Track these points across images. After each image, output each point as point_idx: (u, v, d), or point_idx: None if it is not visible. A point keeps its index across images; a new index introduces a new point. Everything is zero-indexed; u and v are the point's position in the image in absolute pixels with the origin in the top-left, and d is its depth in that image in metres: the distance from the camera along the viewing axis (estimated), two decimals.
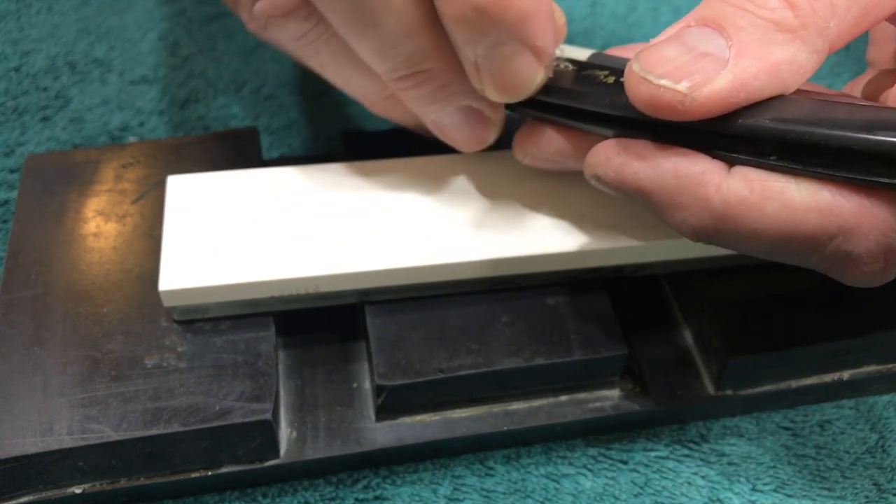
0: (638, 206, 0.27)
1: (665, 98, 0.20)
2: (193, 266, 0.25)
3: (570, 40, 0.42)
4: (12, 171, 0.35)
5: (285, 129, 0.37)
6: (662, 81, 0.20)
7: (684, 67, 0.20)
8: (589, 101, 0.23)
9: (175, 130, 0.37)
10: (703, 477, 0.27)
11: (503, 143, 0.31)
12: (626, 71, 0.21)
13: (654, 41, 0.21)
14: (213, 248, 0.26)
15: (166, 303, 0.25)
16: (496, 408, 0.27)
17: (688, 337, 0.29)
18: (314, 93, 0.39)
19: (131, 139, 0.36)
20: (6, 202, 0.34)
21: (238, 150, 0.31)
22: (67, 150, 0.31)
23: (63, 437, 0.23)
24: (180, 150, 0.31)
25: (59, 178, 0.29)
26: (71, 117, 0.37)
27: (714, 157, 0.21)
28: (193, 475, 0.25)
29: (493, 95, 0.24)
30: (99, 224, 0.28)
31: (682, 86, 0.20)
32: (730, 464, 0.28)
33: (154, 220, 0.28)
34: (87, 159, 0.30)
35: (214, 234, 0.26)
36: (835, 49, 0.21)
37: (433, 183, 0.28)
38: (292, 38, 0.25)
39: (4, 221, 0.33)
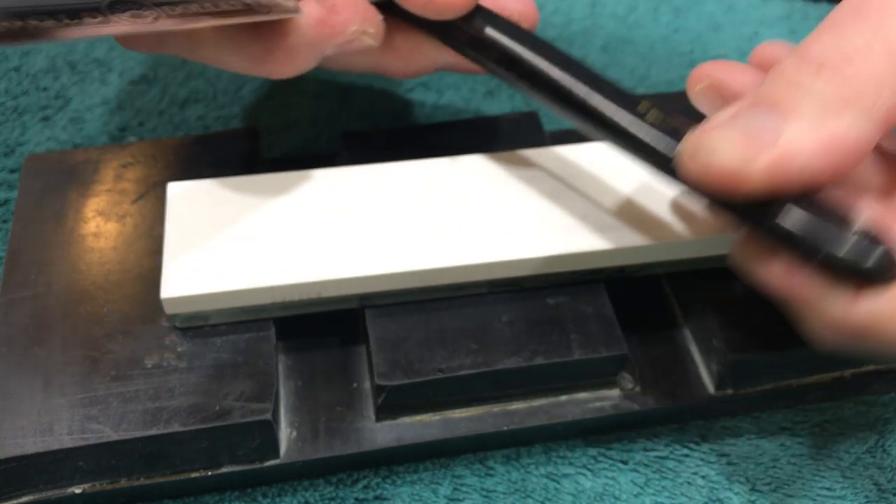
0: (637, 207, 0.27)
1: (717, 168, 0.20)
2: (195, 273, 0.25)
3: (569, 40, 0.43)
4: (12, 171, 0.35)
5: (285, 129, 0.37)
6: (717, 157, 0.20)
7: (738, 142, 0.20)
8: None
9: (175, 130, 0.37)
10: (703, 477, 0.27)
11: (503, 144, 0.31)
12: (676, 150, 0.21)
13: (707, 125, 0.21)
14: (214, 255, 0.26)
15: (168, 310, 0.25)
16: (496, 408, 0.27)
17: (688, 337, 0.29)
18: (314, 93, 0.39)
19: (131, 139, 0.36)
20: (6, 202, 0.34)
21: (238, 150, 0.31)
22: (67, 150, 0.31)
23: (63, 437, 0.23)
24: (180, 150, 0.31)
25: (59, 178, 0.29)
26: (71, 117, 0.37)
27: None
28: (193, 475, 0.25)
29: None
30: (99, 224, 0.28)
31: (737, 156, 0.20)
32: (730, 464, 0.28)
33: (154, 220, 0.28)
34: (87, 159, 0.30)
35: (216, 240, 0.26)
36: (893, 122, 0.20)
37: (434, 186, 0.28)
38: None
39: (4, 221, 0.33)
